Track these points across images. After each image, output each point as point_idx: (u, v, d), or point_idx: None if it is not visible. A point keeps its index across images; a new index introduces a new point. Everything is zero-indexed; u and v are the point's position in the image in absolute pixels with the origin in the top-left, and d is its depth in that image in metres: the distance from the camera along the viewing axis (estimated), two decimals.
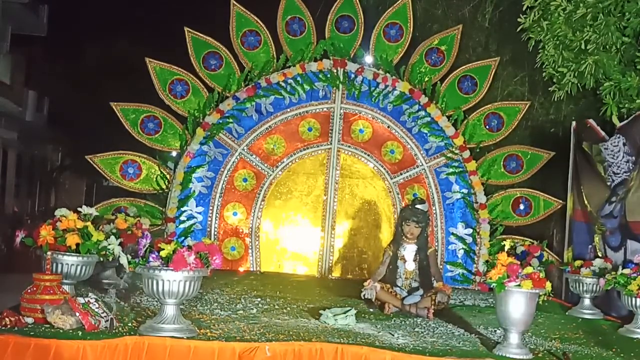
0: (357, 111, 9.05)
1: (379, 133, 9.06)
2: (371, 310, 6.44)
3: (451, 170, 8.93)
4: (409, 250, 6.71)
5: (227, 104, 8.73)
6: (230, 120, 8.81)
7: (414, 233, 6.72)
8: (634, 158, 7.36)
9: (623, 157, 7.48)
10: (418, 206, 6.80)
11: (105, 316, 4.83)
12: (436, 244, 8.81)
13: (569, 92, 7.92)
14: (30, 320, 4.81)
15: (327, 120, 9.04)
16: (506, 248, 6.73)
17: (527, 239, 8.41)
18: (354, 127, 9.06)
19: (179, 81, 8.76)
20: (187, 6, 20.58)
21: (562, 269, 7.67)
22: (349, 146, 9.04)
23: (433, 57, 8.93)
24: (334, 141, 9.03)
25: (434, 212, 8.85)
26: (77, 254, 5.45)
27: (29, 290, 4.96)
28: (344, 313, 5.68)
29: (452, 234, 8.88)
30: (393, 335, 5.36)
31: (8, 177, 21.86)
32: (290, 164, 9.03)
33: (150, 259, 4.73)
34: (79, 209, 5.81)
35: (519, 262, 5.06)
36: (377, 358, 4.75)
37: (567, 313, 7.05)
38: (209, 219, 8.82)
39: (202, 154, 8.77)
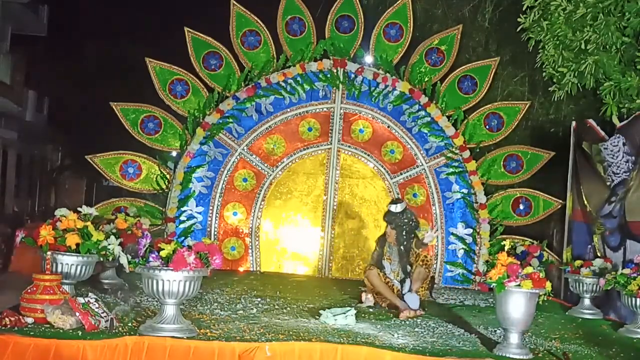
0: (357, 111, 9.05)
1: (379, 133, 9.06)
2: (371, 310, 6.44)
3: (451, 170, 8.93)
4: (394, 253, 6.62)
5: (227, 104, 8.73)
6: (230, 120, 8.81)
7: (390, 235, 6.58)
8: (633, 158, 7.36)
9: (623, 157, 7.48)
10: (390, 206, 6.63)
11: (105, 316, 4.83)
12: (436, 243, 8.81)
13: (569, 92, 7.91)
14: (30, 320, 4.81)
15: (327, 120, 9.04)
16: (506, 248, 6.73)
17: (527, 239, 8.41)
18: (354, 127, 9.06)
19: (179, 81, 8.76)
20: (187, 6, 20.60)
21: (562, 269, 7.67)
22: (349, 146, 9.05)
23: (433, 57, 8.94)
24: (334, 141, 9.03)
25: (434, 212, 8.85)
26: (77, 254, 5.45)
27: (29, 290, 4.96)
28: (344, 313, 5.68)
29: (452, 234, 8.88)
30: (393, 335, 5.36)
31: (8, 177, 21.87)
32: (290, 164, 9.03)
33: (150, 259, 4.73)
34: (79, 209, 5.81)
35: (519, 262, 5.05)
36: (377, 358, 4.75)
37: (567, 313, 7.04)
38: (209, 219, 8.82)
39: (202, 154, 8.78)
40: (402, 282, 6.54)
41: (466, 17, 9.96)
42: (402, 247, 6.56)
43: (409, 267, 6.55)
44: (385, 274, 6.59)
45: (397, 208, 6.58)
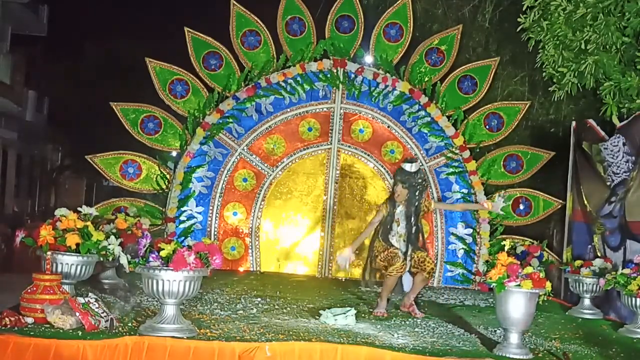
0: (357, 111, 9.05)
1: (379, 133, 9.06)
2: (371, 310, 6.44)
3: (451, 170, 8.93)
4: (401, 214, 6.47)
5: (227, 104, 8.73)
6: (230, 120, 8.81)
7: (401, 194, 6.42)
8: (633, 158, 7.36)
9: (623, 157, 7.48)
10: (404, 165, 6.50)
11: (105, 316, 4.83)
12: (436, 243, 8.82)
13: (569, 92, 7.92)
14: (30, 320, 4.81)
15: (327, 120, 9.04)
16: (506, 248, 6.73)
17: (527, 239, 8.41)
18: (354, 127, 9.06)
19: (179, 81, 8.76)
20: (187, 6, 20.65)
21: (562, 269, 7.67)
22: (349, 146, 9.04)
23: (433, 57, 8.94)
24: (334, 141, 9.03)
25: (434, 211, 8.83)
26: (77, 254, 5.45)
27: (29, 290, 4.97)
28: (344, 313, 5.68)
29: (452, 233, 8.88)
30: (393, 335, 5.36)
31: (8, 177, 21.88)
32: (290, 164, 9.03)
33: (150, 259, 4.73)
34: (79, 209, 5.81)
35: (519, 262, 5.06)
36: (377, 358, 4.75)
37: (567, 313, 7.05)
38: (209, 219, 8.82)
39: (202, 154, 8.77)
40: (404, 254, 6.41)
41: (466, 17, 9.96)
42: (413, 208, 6.43)
43: (414, 229, 6.43)
44: (392, 245, 6.42)
45: (412, 167, 6.45)
